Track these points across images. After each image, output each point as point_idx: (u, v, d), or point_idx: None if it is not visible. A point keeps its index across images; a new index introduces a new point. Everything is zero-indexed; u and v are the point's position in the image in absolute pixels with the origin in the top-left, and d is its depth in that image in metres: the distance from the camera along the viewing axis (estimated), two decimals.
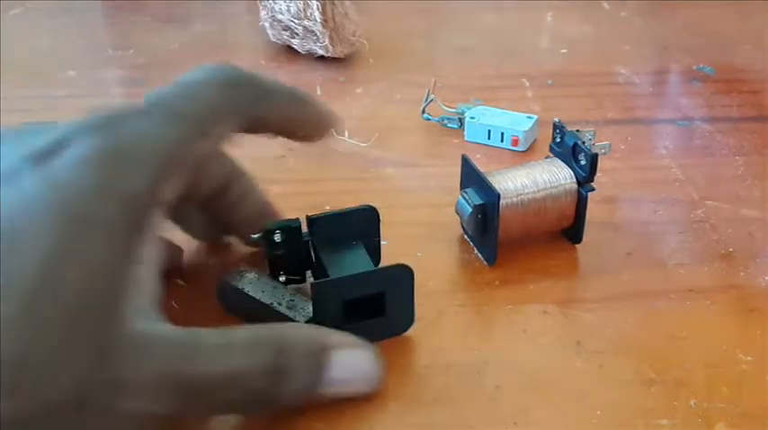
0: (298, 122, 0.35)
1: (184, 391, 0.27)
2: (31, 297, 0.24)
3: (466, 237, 0.42)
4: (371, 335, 0.34)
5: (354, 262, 0.35)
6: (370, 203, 0.37)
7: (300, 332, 0.31)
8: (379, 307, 0.34)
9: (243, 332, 0.30)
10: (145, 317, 0.27)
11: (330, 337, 0.31)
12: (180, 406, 0.27)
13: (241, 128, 0.33)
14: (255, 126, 0.34)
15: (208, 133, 0.31)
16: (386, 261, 0.40)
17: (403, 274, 0.34)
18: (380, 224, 0.37)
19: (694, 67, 0.60)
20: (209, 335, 0.28)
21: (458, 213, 0.40)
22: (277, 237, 0.36)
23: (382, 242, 0.38)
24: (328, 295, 0.33)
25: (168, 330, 0.28)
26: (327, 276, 0.34)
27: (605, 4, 0.72)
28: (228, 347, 0.28)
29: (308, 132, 0.36)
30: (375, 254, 0.37)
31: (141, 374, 0.26)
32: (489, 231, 0.39)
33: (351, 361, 0.32)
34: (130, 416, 0.26)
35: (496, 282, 0.39)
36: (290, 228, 0.36)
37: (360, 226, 0.36)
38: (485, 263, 0.40)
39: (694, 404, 0.32)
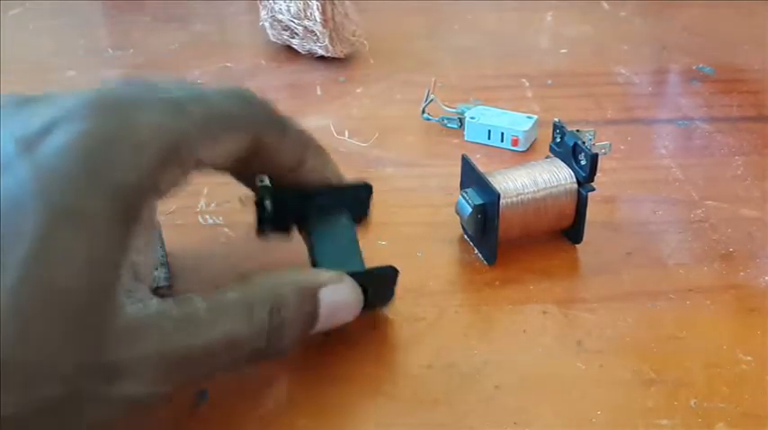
0: (310, 170, 0.35)
1: (184, 364, 0.27)
2: (16, 296, 0.24)
3: (466, 237, 0.42)
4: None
5: (345, 255, 0.36)
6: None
7: (290, 281, 0.31)
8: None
9: (234, 294, 0.29)
10: (135, 298, 0.27)
11: (317, 278, 0.32)
12: (179, 379, 0.27)
13: (251, 145, 0.32)
14: (266, 155, 0.33)
15: (215, 137, 0.30)
16: (386, 261, 0.40)
17: (389, 276, 0.35)
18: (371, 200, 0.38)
19: (694, 67, 0.60)
20: (201, 303, 0.28)
21: (458, 213, 0.40)
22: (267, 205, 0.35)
23: (382, 242, 0.38)
24: None
25: (160, 305, 0.27)
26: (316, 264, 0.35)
27: (605, 4, 0.72)
28: (223, 312, 0.28)
29: (313, 181, 0.36)
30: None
31: (137, 357, 0.26)
32: (489, 231, 0.39)
33: (336, 296, 0.32)
34: (129, 400, 0.26)
35: (496, 282, 0.39)
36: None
37: (352, 201, 0.37)
38: (485, 263, 0.40)
39: (694, 404, 0.32)
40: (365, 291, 0.34)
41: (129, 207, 0.27)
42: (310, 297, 0.31)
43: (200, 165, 0.31)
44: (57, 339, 0.24)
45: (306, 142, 0.35)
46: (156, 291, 0.36)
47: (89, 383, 0.25)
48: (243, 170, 0.34)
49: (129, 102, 0.28)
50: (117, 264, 0.26)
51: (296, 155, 0.34)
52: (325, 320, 0.32)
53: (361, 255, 0.36)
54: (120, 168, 0.26)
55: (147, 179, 0.27)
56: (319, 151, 0.36)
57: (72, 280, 0.25)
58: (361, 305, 0.33)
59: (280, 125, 0.34)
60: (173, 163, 0.28)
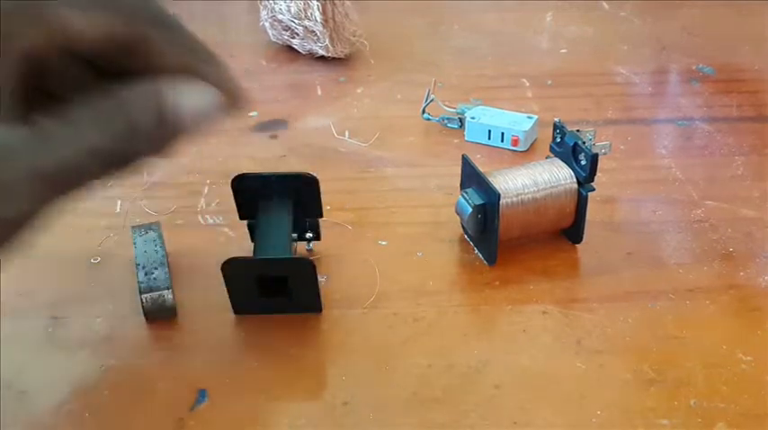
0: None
1: (43, 182, 0.28)
2: None
3: (466, 237, 0.42)
4: (282, 309, 0.37)
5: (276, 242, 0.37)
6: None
7: (138, 88, 0.31)
8: (285, 288, 0.37)
9: (86, 110, 0.29)
10: None
11: (165, 85, 0.31)
12: (42, 196, 0.28)
13: (127, 36, 0.31)
14: (145, 54, 0.31)
15: (85, 7, 0.30)
16: (386, 260, 0.40)
17: (304, 266, 0.36)
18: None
19: (694, 67, 0.60)
20: (51, 121, 0.28)
21: (458, 213, 0.40)
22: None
23: (382, 242, 0.38)
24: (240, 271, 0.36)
25: (10, 133, 0.28)
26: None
27: (605, 4, 0.72)
28: (76, 125, 0.29)
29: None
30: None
31: None
32: (489, 231, 0.39)
33: (191, 100, 0.31)
34: None
35: (496, 282, 0.39)
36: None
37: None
38: (485, 263, 0.40)
39: (694, 404, 0.32)
40: (285, 279, 0.36)
41: None
42: (158, 95, 0.30)
43: (66, 34, 0.30)
44: None
45: (193, 48, 0.33)
46: (157, 290, 0.36)
47: None
48: (115, 62, 0.32)
49: None
50: None
51: (180, 60, 0.32)
52: (191, 117, 0.31)
53: (289, 245, 0.38)
54: None
55: None
56: (210, 59, 0.33)
57: None
58: (216, 107, 0.32)
59: (165, 23, 0.32)
60: (29, 17, 0.28)
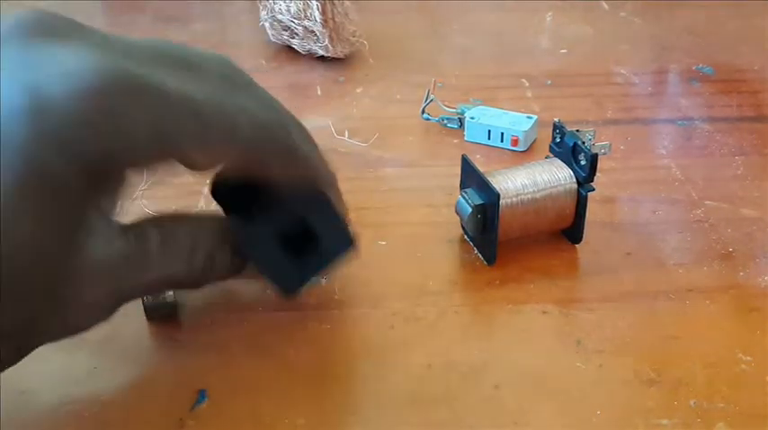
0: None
1: (124, 298, 0.30)
2: None
3: (466, 237, 0.42)
4: (317, 265, 0.35)
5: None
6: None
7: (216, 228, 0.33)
8: (310, 234, 0.34)
9: (184, 232, 0.31)
10: (99, 235, 0.28)
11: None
12: (116, 309, 0.30)
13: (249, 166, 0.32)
14: (263, 178, 0.33)
15: (211, 150, 0.30)
16: (386, 261, 0.40)
17: (317, 199, 0.34)
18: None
19: (694, 67, 0.60)
20: (156, 239, 0.30)
21: (458, 213, 0.40)
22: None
23: (382, 242, 0.38)
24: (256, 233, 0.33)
25: (119, 247, 0.29)
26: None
27: (605, 5, 0.72)
28: (170, 253, 0.30)
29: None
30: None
31: (92, 296, 0.28)
32: (489, 231, 0.39)
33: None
34: (73, 330, 0.30)
35: (496, 282, 0.39)
36: None
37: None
38: (485, 263, 0.40)
39: (694, 404, 0.32)
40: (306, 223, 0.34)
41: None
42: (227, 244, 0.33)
43: (182, 163, 0.31)
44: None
45: (314, 173, 0.34)
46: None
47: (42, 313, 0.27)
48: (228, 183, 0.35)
49: (135, 89, 0.27)
50: (81, 219, 0.27)
51: (299, 185, 0.33)
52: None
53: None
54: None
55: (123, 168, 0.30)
56: (331, 187, 0.35)
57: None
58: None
59: (289, 151, 0.33)
60: (152, 160, 0.30)
